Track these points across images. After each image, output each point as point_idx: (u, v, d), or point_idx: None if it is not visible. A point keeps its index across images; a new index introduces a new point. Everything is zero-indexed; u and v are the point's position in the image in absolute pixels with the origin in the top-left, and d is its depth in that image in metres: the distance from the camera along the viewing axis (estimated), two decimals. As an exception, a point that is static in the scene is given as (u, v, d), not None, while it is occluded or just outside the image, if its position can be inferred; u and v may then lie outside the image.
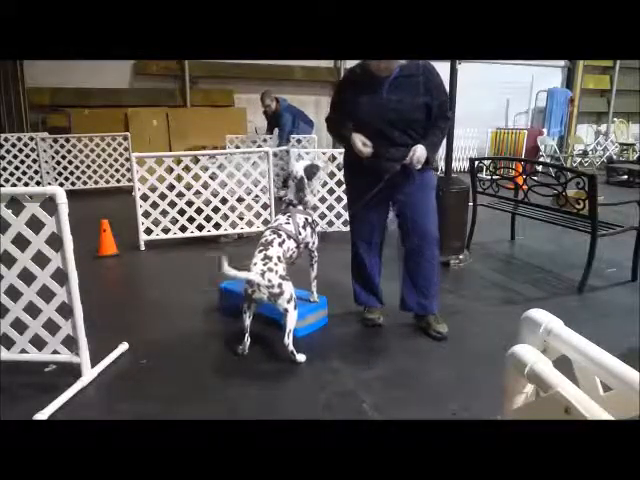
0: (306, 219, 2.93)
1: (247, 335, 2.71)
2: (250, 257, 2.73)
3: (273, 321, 2.97)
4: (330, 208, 5.01)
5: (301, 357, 2.64)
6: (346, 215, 5.01)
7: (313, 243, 3.00)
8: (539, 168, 4.78)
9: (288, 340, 2.59)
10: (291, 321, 2.60)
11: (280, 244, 2.74)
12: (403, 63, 2.67)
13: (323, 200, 4.99)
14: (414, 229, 2.85)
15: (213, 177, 4.90)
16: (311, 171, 2.94)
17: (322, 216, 5.02)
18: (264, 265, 2.61)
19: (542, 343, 1.26)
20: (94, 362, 2.53)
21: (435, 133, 2.78)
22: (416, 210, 2.85)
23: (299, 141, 7.12)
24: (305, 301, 3.04)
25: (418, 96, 2.68)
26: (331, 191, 5.01)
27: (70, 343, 2.45)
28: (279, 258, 2.67)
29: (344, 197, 4.99)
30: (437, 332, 2.94)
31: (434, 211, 2.91)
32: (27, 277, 2.36)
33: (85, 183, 7.58)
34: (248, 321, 2.70)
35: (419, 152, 2.67)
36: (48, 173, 7.30)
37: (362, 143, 2.70)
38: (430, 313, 2.99)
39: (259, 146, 7.27)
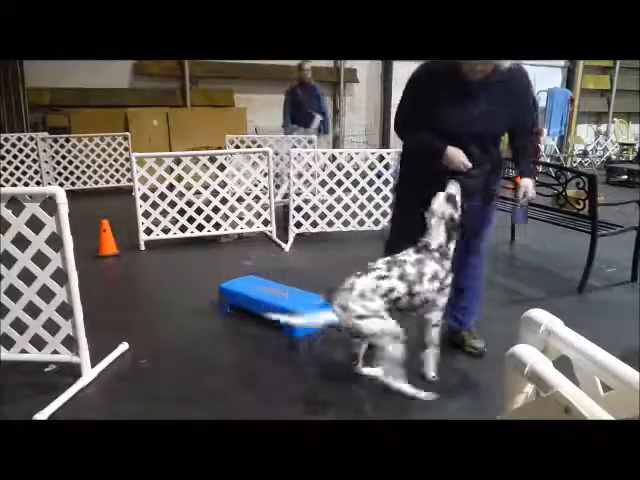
0: (434, 273, 2.29)
1: (358, 360, 2.39)
2: (250, 257, 2.72)
3: (270, 321, 2.97)
4: (330, 208, 5.01)
5: (420, 393, 2.30)
6: (346, 215, 5.01)
7: (434, 304, 2.35)
8: (539, 168, 4.78)
9: (385, 377, 2.27)
10: (385, 358, 2.21)
11: (380, 278, 2.22)
12: (500, 65, 2.21)
13: (323, 200, 4.99)
14: (468, 247, 2.58)
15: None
16: (454, 202, 2.33)
17: (322, 216, 5.02)
18: (344, 298, 2.18)
19: (542, 343, 1.27)
20: (94, 362, 2.53)
21: (527, 158, 2.53)
22: (474, 229, 2.55)
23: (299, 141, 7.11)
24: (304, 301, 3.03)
25: (508, 109, 2.31)
26: (331, 191, 5.01)
27: (70, 343, 2.44)
28: (363, 293, 2.18)
29: (344, 197, 5.00)
30: (473, 347, 2.72)
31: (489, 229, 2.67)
32: (27, 277, 2.36)
33: (85, 183, 7.57)
34: (359, 348, 2.37)
35: (532, 188, 2.46)
36: (48, 173, 7.29)
37: (463, 156, 2.31)
38: (465, 329, 2.78)
39: (259, 146, 7.27)
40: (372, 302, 2.18)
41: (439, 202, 2.32)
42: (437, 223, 2.31)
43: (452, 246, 2.35)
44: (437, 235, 2.32)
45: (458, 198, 2.34)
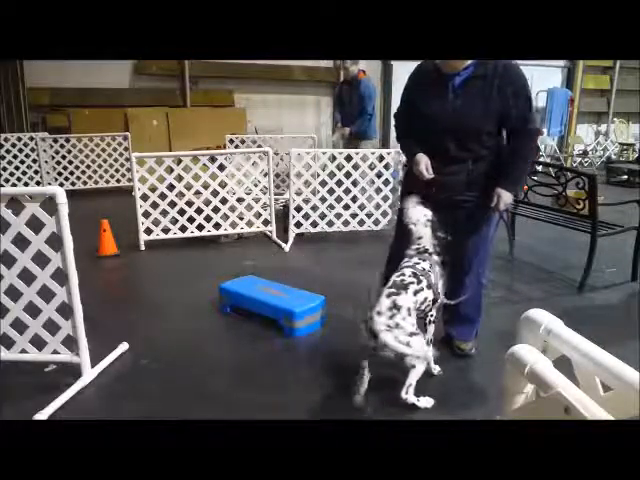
0: (442, 273, 2.41)
1: (360, 390, 2.22)
2: (250, 257, 2.71)
3: (270, 321, 2.98)
4: (330, 208, 5.01)
5: (424, 402, 2.25)
6: (346, 215, 5.01)
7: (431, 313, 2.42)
8: (539, 168, 4.78)
9: (407, 395, 2.18)
10: (414, 376, 2.17)
11: (415, 293, 2.22)
12: (479, 60, 2.22)
13: (323, 200, 4.99)
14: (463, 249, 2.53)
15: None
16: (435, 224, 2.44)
17: (322, 216, 5.02)
18: (390, 318, 2.09)
19: (542, 343, 1.27)
20: (94, 362, 2.53)
21: (517, 164, 2.34)
22: (468, 241, 2.50)
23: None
24: (304, 301, 3.03)
25: (490, 103, 2.23)
26: (331, 191, 5.01)
27: (70, 343, 2.44)
28: (409, 310, 2.15)
29: (344, 197, 5.00)
30: (459, 349, 2.71)
31: (486, 242, 2.55)
32: (27, 277, 2.36)
33: (85, 183, 7.57)
34: (366, 377, 2.22)
35: (505, 199, 2.31)
36: (48, 173, 7.29)
37: (425, 167, 2.33)
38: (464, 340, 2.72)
39: (259, 146, 7.27)
40: (414, 318, 2.17)
41: (414, 211, 2.41)
42: (424, 229, 2.39)
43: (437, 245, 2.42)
44: (429, 239, 2.40)
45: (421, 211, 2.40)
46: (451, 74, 2.25)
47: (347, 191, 5.01)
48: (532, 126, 2.33)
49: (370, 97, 5.64)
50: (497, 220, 2.52)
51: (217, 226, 4.94)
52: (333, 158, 5.20)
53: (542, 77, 11.66)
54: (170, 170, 4.90)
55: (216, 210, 4.88)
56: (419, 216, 2.39)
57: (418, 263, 2.34)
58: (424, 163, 2.34)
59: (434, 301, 2.34)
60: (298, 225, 5.01)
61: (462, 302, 2.53)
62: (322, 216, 5.03)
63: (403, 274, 2.28)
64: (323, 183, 5.05)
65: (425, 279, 2.27)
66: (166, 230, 4.85)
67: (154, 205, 4.77)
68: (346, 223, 5.07)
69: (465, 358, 2.70)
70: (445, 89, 2.27)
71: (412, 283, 2.23)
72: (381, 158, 5.12)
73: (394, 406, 2.23)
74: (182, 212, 4.84)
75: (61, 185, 7.11)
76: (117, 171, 7.71)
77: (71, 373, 2.46)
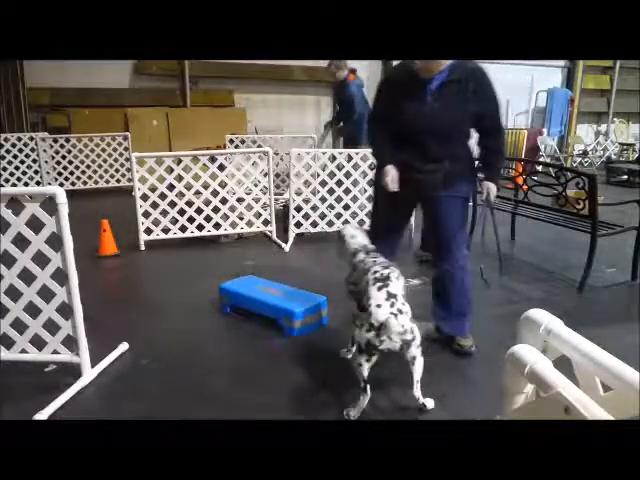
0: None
1: (366, 391, 2.15)
2: (250, 257, 2.72)
3: (270, 320, 2.98)
4: (330, 208, 5.01)
5: (430, 402, 2.23)
6: (346, 215, 5.01)
7: None
8: (539, 168, 4.78)
9: (417, 392, 2.18)
10: (419, 369, 2.16)
11: (397, 278, 2.31)
12: (453, 65, 2.36)
13: (323, 200, 4.99)
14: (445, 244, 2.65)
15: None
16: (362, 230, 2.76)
17: (322, 216, 5.02)
18: (392, 306, 2.13)
19: (542, 343, 1.27)
20: (94, 362, 2.53)
21: (496, 158, 2.57)
22: (448, 232, 2.62)
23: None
24: (303, 300, 3.03)
25: (466, 105, 2.38)
26: (331, 191, 5.01)
27: (70, 343, 2.44)
28: (403, 296, 2.24)
29: (344, 197, 5.00)
30: (459, 345, 2.72)
31: (463, 228, 2.72)
32: (27, 277, 2.36)
33: (85, 183, 7.57)
34: (366, 372, 2.13)
35: (493, 191, 2.55)
36: (48, 173, 7.29)
37: (391, 179, 2.47)
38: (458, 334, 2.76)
39: (259, 146, 7.27)
40: (408, 305, 2.23)
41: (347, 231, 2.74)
42: (361, 235, 2.69)
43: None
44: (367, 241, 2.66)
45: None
46: (428, 78, 2.37)
47: (347, 191, 5.01)
48: (502, 125, 2.54)
49: (353, 101, 5.58)
50: (486, 216, 2.63)
51: (217, 226, 4.94)
52: (333, 158, 5.20)
53: (542, 77, 11.68)
54: (170, 170, 4.90)
55: (216, 210, 4.88)
56: (352, 236, 2.67)
57: (376, 258, 2.47)
58: (391, 176, 2.48)
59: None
60: (298, 225, 5.01)
61: (453, 297, 2.67)
62: (322, 216, 5.03)
63: (376, 270, 2.33)
64: (323, 183, 5.05)
65: (395, 268, 2.38)
66: (166, 230, 4.85)
67: (154, 205, 4.77)
68: (346, 223, 5.07)
69: (466, 357, 2.70)
70: (423, 92, 2.39)
71: (390, 273, 2.30)
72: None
73: (396, 410, 2.25)
74: (182, 212, 4.84)
75: (61, 185, 7.11)
76: (117, 171, 7.71)
77: (71, 373, 2.46)
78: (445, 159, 2.46)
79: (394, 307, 2.13)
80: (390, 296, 2.17)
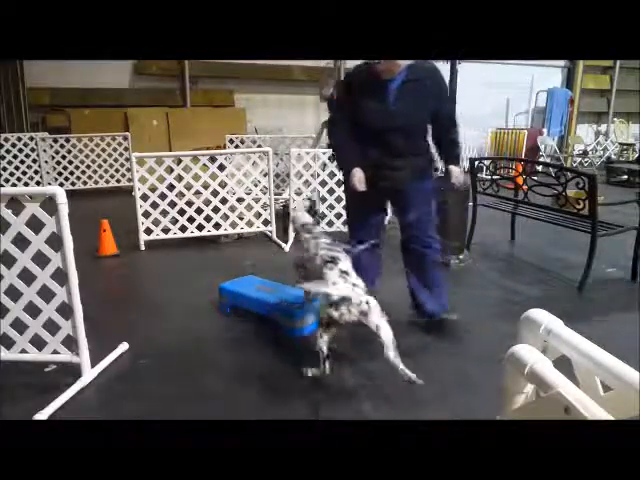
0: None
1: (327, 361, 2.37)
2: (250, 257, 2.72)
3: (266, 319, 2.98)
4: (330, 208, 5.01)
5: (417, 380, 2.27)
6: (346, 215, 5.01)
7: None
8: (539, 168, 4.78)
9: (391, 353, 2.24)
10: (387, 335, 2.24)
11: (346, 257, 2.51)
12: (410, 65, 2.50)
13: (323, 200, 4.99)
14: (418, 239, 2.82)
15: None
16: (314, 214, 2.91)
17: (322, 216, 5.02)
18: (345, 282, 2.31)
19: (542, 343, 1.26)
20: (94, 362, 2.53)
21: (455, 145, 2.76)
22: (420, 222, 2.78)
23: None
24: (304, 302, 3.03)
25: (425, 102, 2.56)
26: (331, 191, 5.01)
27: (70, 343, 2.45)
28: (353, 272, 2.43)
29: (344, 197, 4.99)
30: (444, 319, 2.93)
31: (434, 214, 2.87)
32: (27, 277, 2.36)
33: (85, 183, 7.57)
34: (326, 346, 2.34)
35: (457, 171, 2.70)
36: (48, 173, 7.29)
37: (358, 180, 2.59)
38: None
39: (259, 146, 7.26)
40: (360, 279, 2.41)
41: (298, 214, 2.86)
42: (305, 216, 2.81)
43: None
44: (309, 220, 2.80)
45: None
46: (390, 78, 2.51)
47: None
48: (457, 118, 2.73)
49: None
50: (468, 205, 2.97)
51: (217, 226, 4.94)
52: (333, 158, 5.19)
53: (542, 77, 11.68)
54: (170, 170, 4.90)
55: (216, 210, 4.88)
56: (298, 218, 2.82)
57: (317, 237, 2.66)
58: (358, 177, 2.60)
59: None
60: (298, 225, 5.00)
61: (429, 279, 2.88)
62: (322, 216, 5.03)
63: (324, 252, 2.51)
64: (323, 183, 5.05)
65: (338, 247, 2.57)
66: (166, 230, 4.85)
67: (154, 205, 4.77)
68: (346, 223, 5.06)
69: (464, 358, 2.70)
70: (386, 92, 2.53)
71: (338, 252, 2.50)
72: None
73: (393, 406, 2.26)
74: (182, 212, 4.85)
75: (61, 185, 7.12)
76: (117, 171, 7.72)
77: (71, 373, 2.46)
78: (410, 154, 2.64)
79: (347, 283, 2.30)
80: (343, 273, 2.36)
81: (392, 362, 2.24)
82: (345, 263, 2.45)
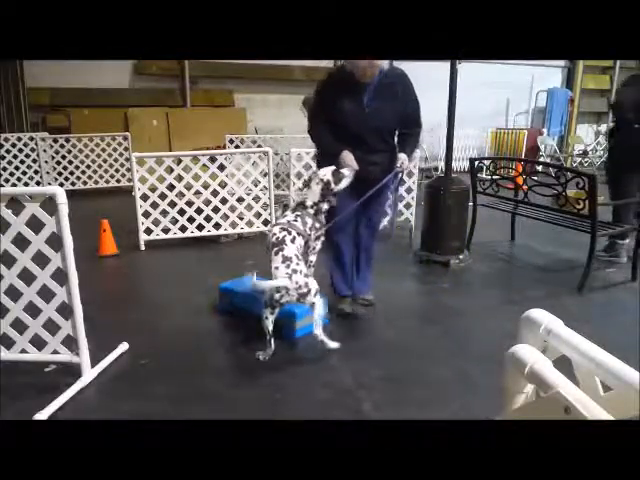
0: (313, 224, 2.87)
1: (272, 340, 2.66)
2: (250, 257, 2.73)
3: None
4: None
5: (334, 344, 2.67)
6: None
7: (313, 248, 2.97)
8: (539, 168, 4.78)
9: (318, 331, 2.62)
10: (318, 312, 2.61)
11: (292, 241, 2.71)
12: (384, 70, 2.75)
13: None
14: (369, 224, 3.14)
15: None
16: (338, 177, 2.85)
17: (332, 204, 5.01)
18: (287, 268, 2.58)
19: (542, 343, 1.26)
20: (94, 362, 2.53)
21: (414, 141, 3.04)
22: (375, 209, 3.10)
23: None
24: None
25: (396, 104, 2.82)
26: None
27: (70, 343, 2.44)
28: (297, 256, 2.66)
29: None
30: (365, 300, 3.25)
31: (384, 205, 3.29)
32: (27, 277, 2.36)
33: (85, 183, 7.57)
34: (271, 326, 2.62)
35: (406, 160, 2.96)
36: (48, 173, 7.30)
37: (351, 160, 2.82)
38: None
39: (259, 146, 7.27)
40: (302, 262, 2.68)
41: (317, 172, 2.91)
42: (315, 187, 2.86)
43: (325, 206, 2.90)
44: (313, 195, 2.87)
45: (328, 171, 2.85)
46: (366, 82, 2.73)
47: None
48: (421, 120, 2.99)
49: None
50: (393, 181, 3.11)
51: (217, 226, 4.94)
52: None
53: (542, 77, 11.68)
54: (170, 170, 4.90)
55: (216, 210, 4.88)
56: (322, 173, 2.86)
57: (285, 216, 2.87)
58: (350, 158, 2.83)
59: (306, 242, 2.84)
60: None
61: (362, 264, 3.22)
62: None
63: (274, 233, 2.75)
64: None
65: (292, 229, 2.75)
66: (166, 230, 4.85)
67: (154, 205, 4.77)
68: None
69: (464, 358, 2.71)
70: (363, 95, 2.76)
71: (285, 236, 2.70)
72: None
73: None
74: (182, 212, 4.85)
75: (61, 185, 7.12)
76: (117, 171, 7.72)
77: (71, 373, 2.46)
78: (382, 151, 2.92)
79: (289, 268, 2.57)
80: (285, 259, 2.61)
81: (315, 333, 2.61)
82: (291, 248, 2.66)
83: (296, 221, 2.82)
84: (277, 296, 2.55)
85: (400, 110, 2.86)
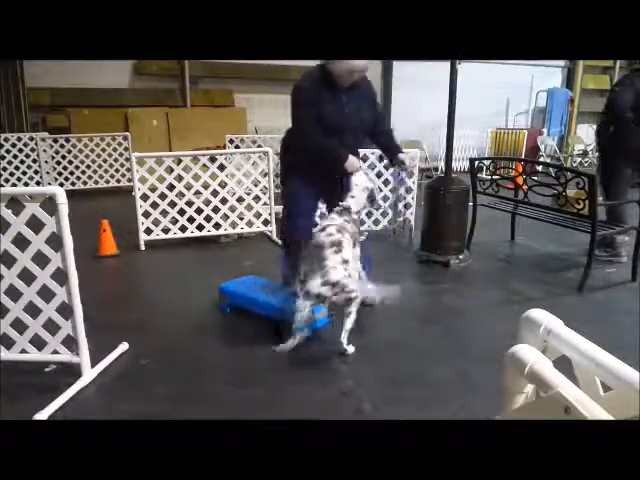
0: (355, 230, 2.93)
1: (297, 333, 2.65)
2: (250, 257, 2.73)
3: (267, 319, 2.98)
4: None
5: (351, 348, 2.69)
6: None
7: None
8: (539, 168, 4.78)
9: (344, 339, 2.63)
10: (350, 322, 2.62)
11: (348, 244, 2.73)
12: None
13: (323, 200, 4.98)
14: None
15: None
16: (373, 194, 3.03)
17: (322, 216, 5.01)
18: (345, 270, 2.59)
19: (542, 343, 1.26)
20: (94, 362, 2.53)
21: (395, 144, 3.20)
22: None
23: None
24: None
25: (367, 108, 3.01)
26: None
27: (70, 343, 2.45)
28: (353, 261, 2.70)
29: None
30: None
31: None
32: (27, 277, 2.36)
33: (85, 183, 7.57)
34: (304, 319, 2.62)
35: (408, 159, 3.13)
36: (48, 173, 7.29)
37: (356, 160, 2.96)
38: None
39: (259, 146, 7.27)
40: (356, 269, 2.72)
41: (364, 178, 2.98)
42: (360, 194, 2.92)
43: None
44: (357, 203, 2.92)
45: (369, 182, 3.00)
46: (344, 87, 2.86)
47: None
48: (384, 121, 3.26)
49: None
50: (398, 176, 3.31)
51: (217, 226, 4.94)
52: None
53: (542, 77, 11.68)
54: (170, 170, 4.90)
55: (216, 210, 4.88)
56: (365, 181, 2.94)
57: (332, 219, 2.84)
58: (357, 160, 2.99)
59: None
60: (298, 225, 5.00)
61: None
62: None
63: (331, 233, 2.70)
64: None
65: (346, 232, 2.75)
66: (166, 230, 4.85)
67: (154, 205, 4.77)
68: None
69: (464, 358, 2.70)
70: (342, 98, 2.89)
71: (342, 237, 2.69)
72: (381, 158, 5.12)
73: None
74: (182, 212, 4.85)
75: (61, 185, 7.12)
76: (117, 171, 7.72)
77: (71, 373, 2.46)
78: (357, 153, 3.10)
79: (346, 271, 2.60)
80: (344, 262, 2.62)
81: (342, 341, 2.63)
82: (347, 251, 2.67)
83: (348, 223, 2.84)
84: (329, 293, 2.53)
85: (372, 110, 3.05)
